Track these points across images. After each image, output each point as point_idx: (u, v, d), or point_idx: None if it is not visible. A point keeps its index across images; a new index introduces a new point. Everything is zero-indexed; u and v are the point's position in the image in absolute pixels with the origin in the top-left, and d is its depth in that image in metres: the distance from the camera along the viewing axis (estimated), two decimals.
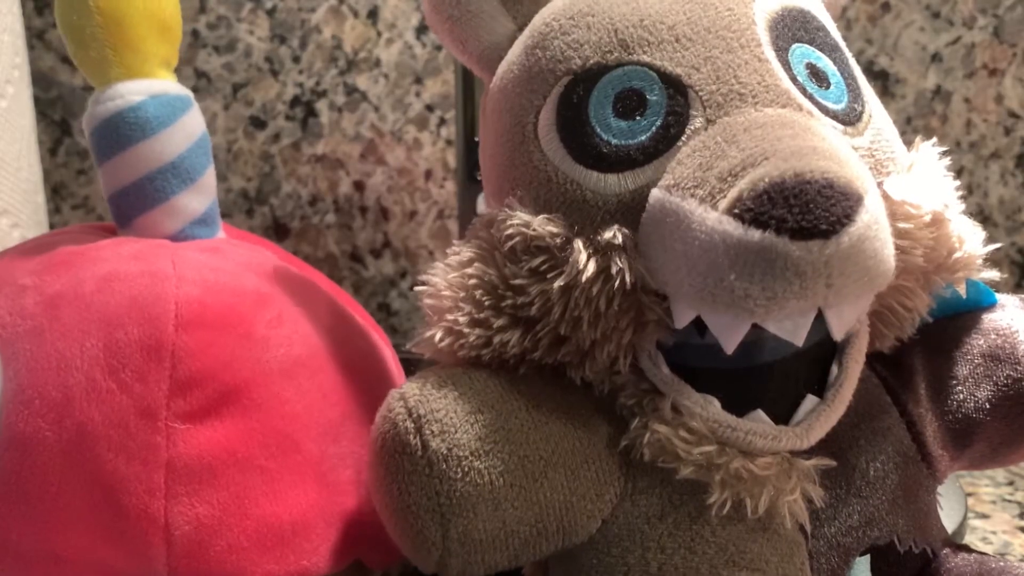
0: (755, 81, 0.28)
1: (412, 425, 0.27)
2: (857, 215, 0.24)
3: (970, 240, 0.29)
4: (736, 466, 0.27)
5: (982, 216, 0.67)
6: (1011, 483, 0.52)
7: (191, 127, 0.33)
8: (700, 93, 0.28)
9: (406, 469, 0.27)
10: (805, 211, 0.23)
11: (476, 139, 0.48)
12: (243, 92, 0.65)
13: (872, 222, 0.24)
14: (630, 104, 0.28)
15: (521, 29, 0.31)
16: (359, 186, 0.66)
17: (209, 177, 0.33)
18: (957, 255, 0.29)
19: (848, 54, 0.31)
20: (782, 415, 0.28)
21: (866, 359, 0.30)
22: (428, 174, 0.66)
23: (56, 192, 0.66)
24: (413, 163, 0.66)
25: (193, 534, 0.28)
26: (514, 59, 0.31)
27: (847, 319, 0.26)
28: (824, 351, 0.28)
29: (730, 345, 0.26)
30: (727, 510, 0.28)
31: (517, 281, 0.28)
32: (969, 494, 0.50)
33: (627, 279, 0.27)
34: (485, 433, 0.28)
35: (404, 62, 0.64)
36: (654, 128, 0.28)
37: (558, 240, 0.28)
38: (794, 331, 0.26)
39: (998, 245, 0.31)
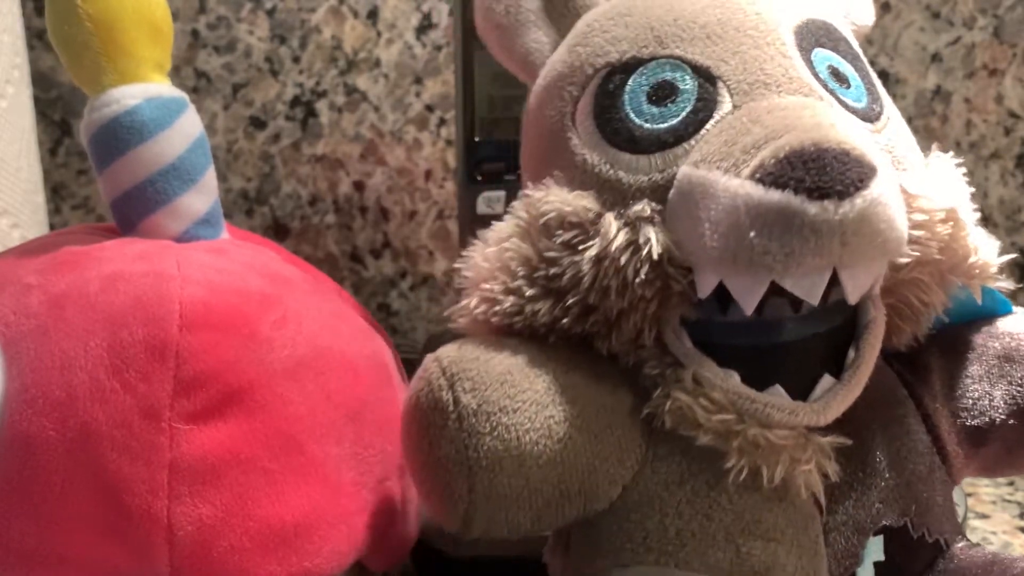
0: (780, 72, 0.30)
1: (445, 382, 0.29)
2: (871, 182, 0.25)
3: (985, 248, 0.31)
4: (753, 433, 0.29)
5: (982, 216, 0.67)
6: (1011, 483, 0.52)
7: (188, 128, 0.33)
8: (728, 82, 0.30)
9: (437, 423, 0.29)
10: (822, 172, 0.25)
11: (476, 139, 0.48)
12: (243, 92, 0.65)
13: (886, 191, 0.26)
14: (663, 92, 0.30)
15: (563, 37, 0.34)
16: (359, 186, 0.66)
17: (210, 177, 0.33)
18: (972, 260, 0.30)
19: (868, 66, 0.33)
20: (800, 393, 0.29)
21: (883, 355, 0.31)
22: (428, 174, 0.66)
23: (56, 192, 0.66)
24: (413, 163, 0.66)
25: (196, 534, 0.28)
26: (557, 59, 0.33)
27: (861, 282, 0.28)
28: (842, 336, 0.29)
29: (749, 306, 0.28)
30: (744, 478, 0.29)
31: (550, 254, 0.30)
32: (969, 494, 0.50)
33: (654, 250, 0.28)
34: (514, 393, 0.29)
35: (404, 62, 0.64)
36: (684, 112, 0.30)
37: (590, 215, 0.29)
38: (811, 289, 0.27)
39: (1012, 256, 0.33)
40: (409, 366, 0.38)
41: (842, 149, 0.26)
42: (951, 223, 0.30)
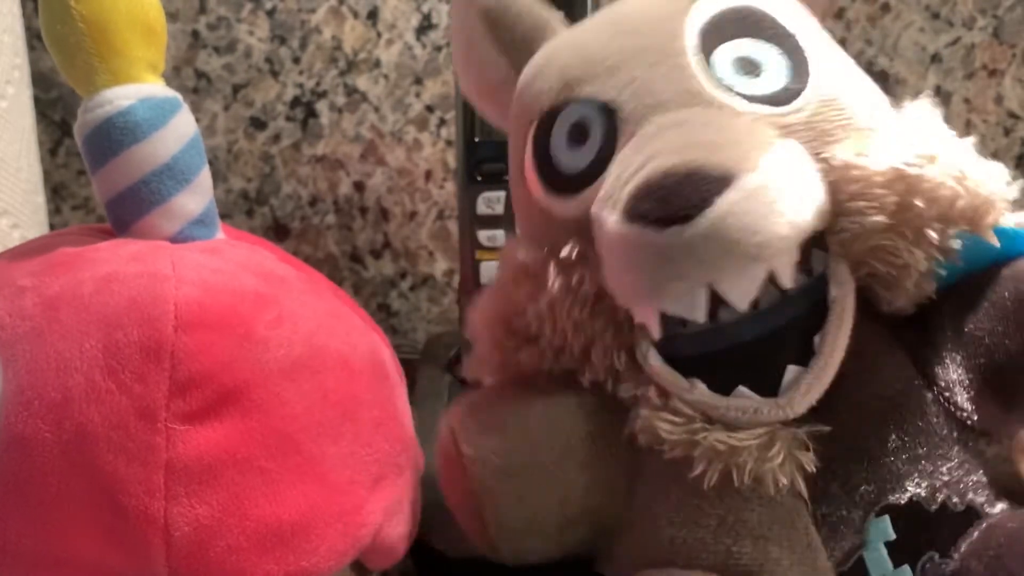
0: (669, 89, 0.31)
1: (451, 437, 0.33)
2: (718, 197, 0.26)
3: (986, 185, 0.29)
4: (712, 439, 0.29)
5: None
6: None
7: (182, 128, 0.33)
8: (623, 112, 0.31)
9: (450, 472, 0.33)
10: (664, 202, 0.27)
11: (476, 140, 0.48)
12: (243, 93, 0.65)
13: (742, 199, 0.26)
14: (577, 135, 0.32)
15: (517, 72, 0.36)
16: (359, 187, 0.66)
17: (204, 177, 0.33)
18: (962, 203, 0.29)
19: (800, 36, 0.32)
20: (769, 388, 0.30)
21: (890, 323, 0.31)
22: (428, 175, 0.66)
23: (56, 192, 0.66)
24: (413, 164, 0.66)
25: (193, 535, 0.28)
26: (512, 114, 0.36)
27: (746, 288, 0.28)
28: (811, 322, 0.30)
29: (654, 332, 0.30)
30: (716, 482, 0.30)
31: (518, 306, 0.32)
32: None
33: (587, 288, 0.31)
34: (505, 436, 0.33)
35: (404, 63, 0.64)
36: (594, 152, 0.31)
37: (538, 264, 0.32)
38: (691, 310, 0.29)
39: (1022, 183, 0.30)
40: (409, 366, 0.38)
41: (688, 170, 0.27)
42: (900, 182, 0.29)
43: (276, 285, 0.32)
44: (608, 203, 0.29)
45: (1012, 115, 0.65)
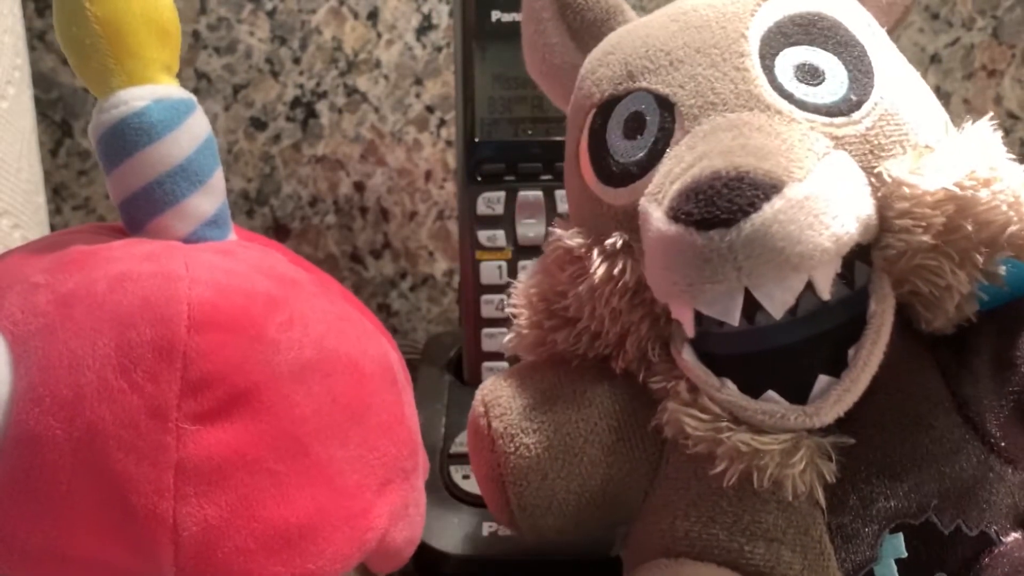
0: (728, 90, 0.31)
1: (483, 409, 0.34)
2: (764, 203, 0.26)
3: None
4: (737, 440, 0.30)
5: None
6: None
7: (196, 129, 0.33)
8: (682, 108, 0.31)
9: (478, 445, 0.34)
10: (709, 204, 0.27)
11: (476, 140, 0.48)
12: (243, 93, 0.65)
13: (788, 207, 0.26)
14: (634, 126, 0.32)
15: (584, 55, 0.36)
16: (359, 187, 0.66)
17: (218, 179, 0.33)
18: (1014, 229, 0.29)
19: (869, 47, 0.32)
20: (798, 395, 0.30)
21: (928, 342, 0.31)
22: (428, 175, 0.66)
23: (57, 193, 0.66)
24: (413, 164, 0.66)
25: (201, 535, 0.28)
26: (572, 96, 0.36)
27: (778, 299, 0.28)
28: (847, 334, 0.30)
29: (689, 330, 0.30)
30: (735, 482, 0.30)
31: (560, 287, 0.33)
32: None
33: (628, 279, 0.31)
34: (534, 415, 0.33)
35: (404, 63, 0.64)
36: (648, 145, 0.31)
37: (583, 250, 0.32)
38: (725, 313, 0.29)
39: None
40: (409, 367, 0.38)
41: (736, 174, 0.27)
42: (951, 203, 0.29)
43: (288, 288, 0.32)
44: (655, 198, 0.29)
45: (1011, 115, 0.65)
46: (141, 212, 0.32)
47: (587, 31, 0.36)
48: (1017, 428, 0.31)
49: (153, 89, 0.32)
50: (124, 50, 0.32)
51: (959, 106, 0.65)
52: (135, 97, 0.32)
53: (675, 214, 0.27)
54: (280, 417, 0.29)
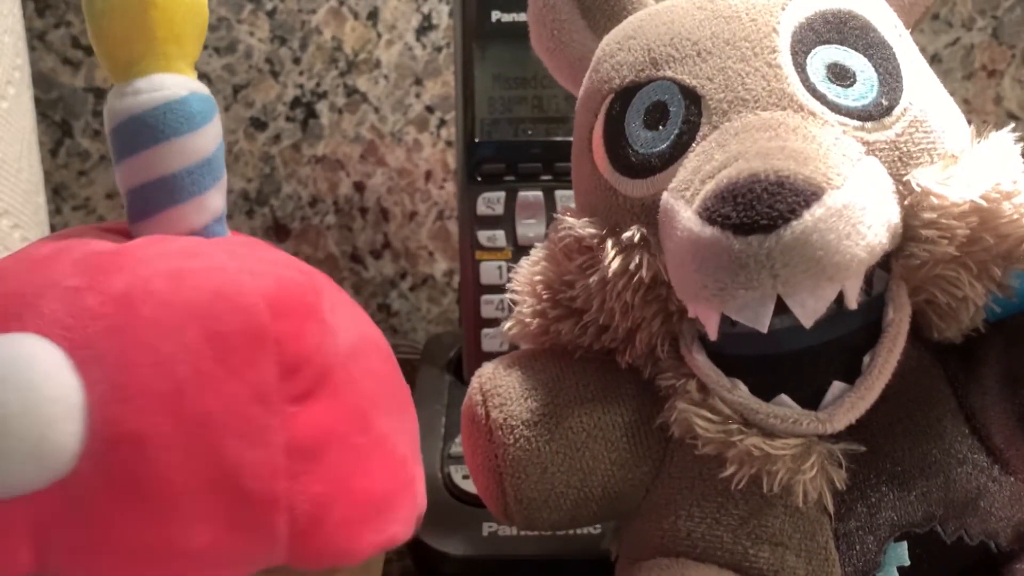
0: (760, 86, 0.29)
1: (480, 398, 0.33)
2: (805, 210, 0.25)
3: None
4: (748, 444, 0.29)
5: None
6: None
7: (218, 127, 0.33)
8: (710, 102, 0.30)
9: (474, 434, 0.33)
10: (748, 208, 0.26)
11: (476, 140, 0.48)
12: (243, 93, 0.65)
13: (828, 216, 0.26)
14: (655, 115, 0.31)
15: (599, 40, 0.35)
16: (359, 187, 0.67)
17: (225, 179, 0.34)
18: None
19: (898, 50, 0.31)
20: (810, 400, 0.29)
21: (935, 350, 0.31)
22: (428, 175, 0.66)
23: (57, 193, 0.66)
24: (413, 164, 0.66)
25: (312, 512, 0.29)
26: (584, 81, 0.34)
27: (811, 306, 0.27)
28: (861, 340, 0.29)
29: (712, 332, 0.29)
30: (744, 485, 0.30)
31: (568, 277, 0.32)
32: None
33: (644, 274, 0.30)
34: (536, 407, 0.32)
35: (404, 63, 0.64)
36: (672, 136, 0.30)
37: (595, 240, 0.31)
38: (755, 319, 0.28)
39: None
40: (409, 367, 0.38)
41: (777, 178, 0.26)
42: (975, 215, 0.28)
43: (313, 276, 0.33)
44: (683, 195, 0.28)
45: (1011, 115, 0.65)
46: (159, 200, 0.32)
47: (599, 9, 0.34)
48: (1021, 440, 0.31)
49: (187, 81, 0.32)
50: (169, 33, 0.31)
51: (959, 106, 0.65)
52: (176, 84, 0.31)
53: (710, 216, 0.26)
54: (351, 394, 0.31)
